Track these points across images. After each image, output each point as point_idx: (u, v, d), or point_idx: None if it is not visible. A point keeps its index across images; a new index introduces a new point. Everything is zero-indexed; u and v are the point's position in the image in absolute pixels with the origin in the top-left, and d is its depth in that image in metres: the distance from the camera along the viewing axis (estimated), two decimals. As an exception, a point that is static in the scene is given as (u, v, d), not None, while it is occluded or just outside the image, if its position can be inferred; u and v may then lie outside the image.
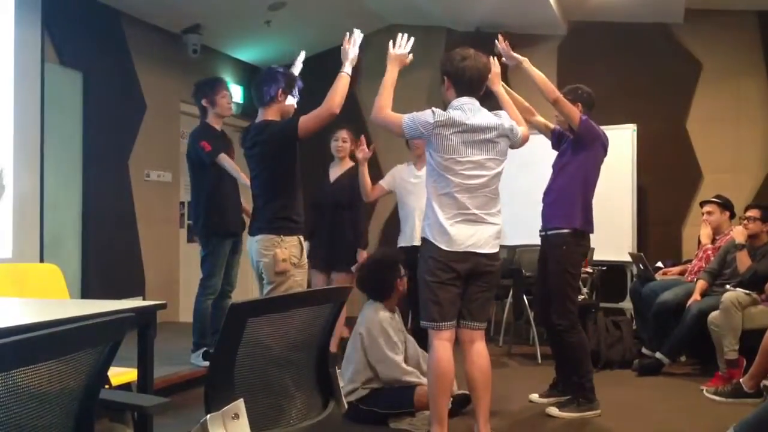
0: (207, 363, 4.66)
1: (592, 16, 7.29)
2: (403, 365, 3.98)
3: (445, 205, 3.37)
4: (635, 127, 6.83)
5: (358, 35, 3.70)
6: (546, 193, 4.33)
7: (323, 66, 7.56)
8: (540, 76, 4.10)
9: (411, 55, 3.60)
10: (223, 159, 4.79)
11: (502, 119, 3.48)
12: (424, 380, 3.92)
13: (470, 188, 3.37)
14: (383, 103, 3.47)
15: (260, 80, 3.78)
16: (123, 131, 6.68)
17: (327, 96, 3.52)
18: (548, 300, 4.24)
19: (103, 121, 6.37)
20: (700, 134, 7.03)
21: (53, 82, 5.79)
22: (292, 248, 3.62)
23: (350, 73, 3.61)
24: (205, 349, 4.88)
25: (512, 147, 3.59)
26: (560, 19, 7.26)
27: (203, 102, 5.00)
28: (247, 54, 8.25)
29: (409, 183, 5.02)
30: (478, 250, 3.38)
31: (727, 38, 6.97)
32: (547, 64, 7.43)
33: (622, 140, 6.82)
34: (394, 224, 5.41)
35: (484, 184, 3.40)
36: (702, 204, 5.84)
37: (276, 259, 3.56)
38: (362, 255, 5.16)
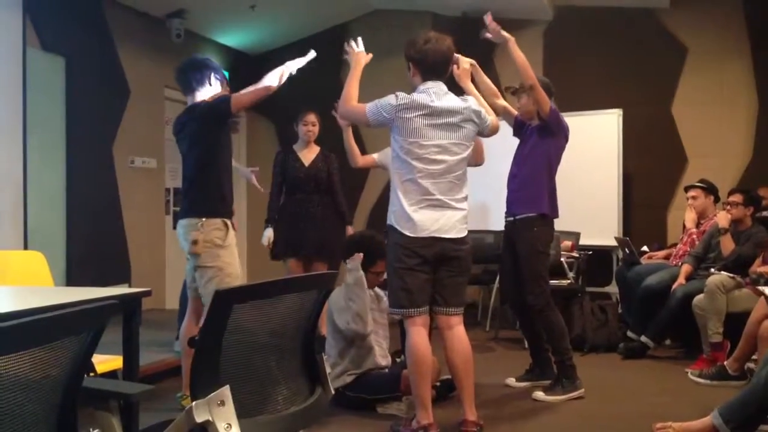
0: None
1: (578, 1, 7.28)
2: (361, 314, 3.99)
3: (409, 192, 3.36)
4: (621, 112, 6.84)
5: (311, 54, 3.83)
6: (511, 180, 4.35)
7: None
8: (522, 58, 4.09)
9: (370, 54, 3.63)
10: None
11: (469, 102, 3.47)
12: (379, 362, 4.05)
13: (434, 173, 3.35)
14: (348, 95, 3.50)
15: (185, 68, 3.75)
16: (106, 117, 6.62)
17: (268, 74, 3.56)
18: (520, 284, 4.25)
19: (86, 106, 6.31)
20: (685, 119, 7.06)
21: (35, 67, 5.72)
22: (214, 230, 3.57)
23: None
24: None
25: (481, 134, 3.58)
26: (546, 4, 7.25)
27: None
28: (232, 39, 8.18)
29: None
30: (443, 236, 3.36)
31: (712, 23, 6.98)
32: (533, 48, 7.43)
33: (607, 125, 6.84)
34: (383, 207, 5.38)
35: (449, 170, 3.38)
36: (687, 188, 5.87)
37: (197, 242, 3.54)
38: (349, 231, 5.15)
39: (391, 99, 3.37)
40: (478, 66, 4.19)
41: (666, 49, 7.11)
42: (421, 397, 3.39)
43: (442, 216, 3.36)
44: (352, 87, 3.52)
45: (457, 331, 3.45)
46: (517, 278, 4.29)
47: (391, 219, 3.43)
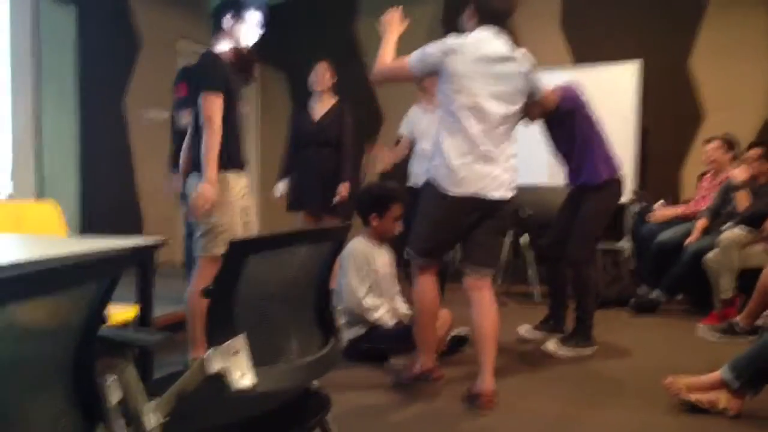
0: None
1: (597, -50, 7.11)
2: (364, 299, 4.01)
3: (457, 144, 3.22)
4: (641, 63, 6.72)
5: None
6: (562, 160, 4.27)
7: (320, 4, 7.42)
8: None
9: (405, 21, 3.50)
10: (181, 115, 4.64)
11: (520, 55, 3.33)
12: (385, 320, 4.04)
13: (483, 124, 3.21)
14: (383, 58, 3.37)
15: (216, 8, 3.60)
16: (118, 68, 6.59)
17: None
18: (569, 236, 4.19)
19: (98, 57, 6.28)
20: (703, 72, 6.92)
21: (46, 17, 5.68)
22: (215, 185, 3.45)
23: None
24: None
25: (532, 96, 3.46)
26: (564, -47, 7.08)
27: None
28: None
29: (419, 125, 5.03)
30: (487, 195, 3.24)
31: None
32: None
33: (625, 77, 6.72)
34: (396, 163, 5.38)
35: (499, 121, 3.24)
36: (707, 141, 5.77)
37: (195, 198, 3.44)
38: (344, 187, 5.06)
39: (439, 43, 3.24)
40: None
41: (686, 1, 6.95)
42: (426, 342, 3.44)
43: (489, 174, 3.23)
44: (386, 50, 3.39)
45: (487, 294, 3.34)
46: (566, 230, 4.23)
47: (432, 173, 3.30)
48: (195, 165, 3.59)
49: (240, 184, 3.53)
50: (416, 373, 3.48)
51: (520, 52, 3.35)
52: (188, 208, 3.51)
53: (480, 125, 3.21)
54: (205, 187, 3.30)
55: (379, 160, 5.01)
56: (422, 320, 3.42)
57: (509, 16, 3.37)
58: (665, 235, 5.42)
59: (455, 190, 3.22)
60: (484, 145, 3.21)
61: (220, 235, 3.36)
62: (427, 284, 3.39)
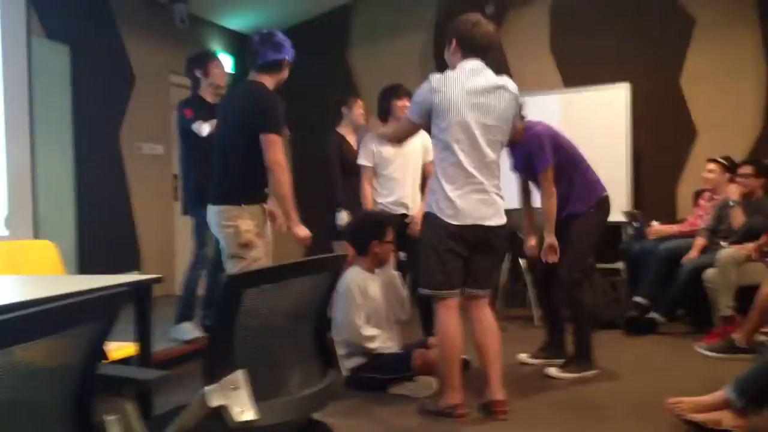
0: (188, 337, 4.72)
1: (583, -26, 7.20)
2: (362, 329, 3.96)
3: (452, 177, 3.36)
4: (629, 86, 6.78)
5: None
6: (561, 200, 4.24)
7: (314, 34, 7.49)
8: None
9: None
10: (199, 125, 4.60)
11: (506, 82, 3.46)
12: (387, 346, 4.01)
13: (474, 154, 3.35)
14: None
15: (264, 41, 3.57)
16: (113, 104, 6.63)
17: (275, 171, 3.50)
18: (560, 257, 4.18)
19: (92, 94, 6.31)
20: (694, 91, 6.99)
21: (40, 56, 5.72)
22: (255, 218, 3.53)
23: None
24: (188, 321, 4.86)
25: (515, 122, 3.57)
26: (551, -22, 7.17)
27: (197, 73, 4.91)
28: (236, 22, 8.14)
29: (384, 152, 4.78)
30: (486, 223, 3.39)
31: (720, -8, 6.90)
32: (540, 22, 7.37)
33: (616, 98, 6.78)
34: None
35: (488, 152, 3.38)
36: (709, 161, 5.77)
37: (238, 231, 3.48)
38: None
39: (425, 85, 3.39)
40: None
41: (673, 21, 7.03)
42: (451, 379, 3.43)
43: (485, 203, 3.38)
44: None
45: (486, 311, 3.52)
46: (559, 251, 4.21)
47: (432, 207, 3.44)
48: (216, 197, 3.59)
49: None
50: (441, 408, 3.45)
51: (506, 81, 3.48)
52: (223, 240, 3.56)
53: (471, 156, 3.35)
54: (300, 229, 3.57)
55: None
56: (446, 355, 3.44)
57: (491, 49, 3.50)
58: (671, 244, 5.45)
59: (457, 221, 3.36)
60: (477, 176, 3.36)
61: (256, 263, 3.50)
62: (449, 319, 3.43)
